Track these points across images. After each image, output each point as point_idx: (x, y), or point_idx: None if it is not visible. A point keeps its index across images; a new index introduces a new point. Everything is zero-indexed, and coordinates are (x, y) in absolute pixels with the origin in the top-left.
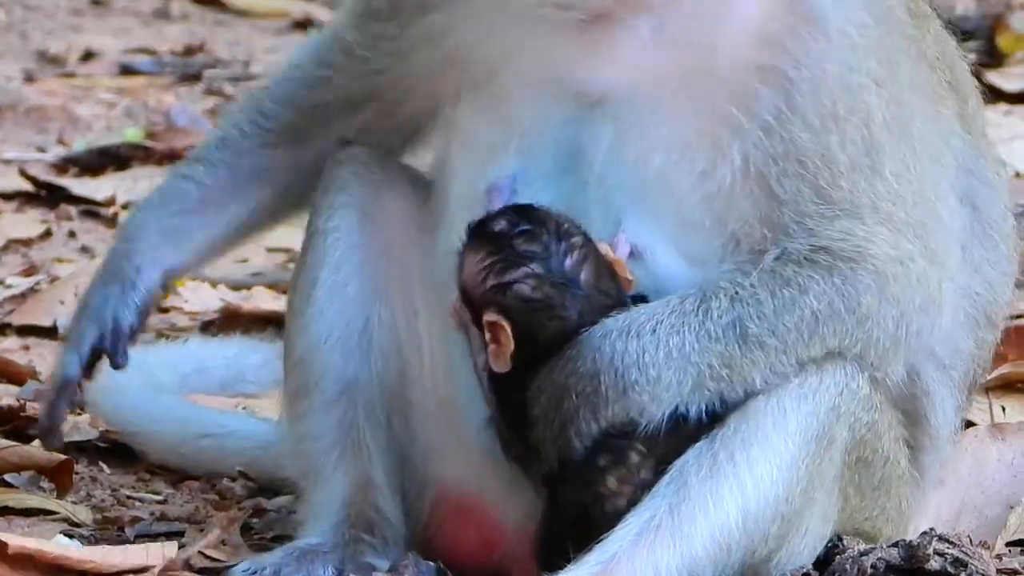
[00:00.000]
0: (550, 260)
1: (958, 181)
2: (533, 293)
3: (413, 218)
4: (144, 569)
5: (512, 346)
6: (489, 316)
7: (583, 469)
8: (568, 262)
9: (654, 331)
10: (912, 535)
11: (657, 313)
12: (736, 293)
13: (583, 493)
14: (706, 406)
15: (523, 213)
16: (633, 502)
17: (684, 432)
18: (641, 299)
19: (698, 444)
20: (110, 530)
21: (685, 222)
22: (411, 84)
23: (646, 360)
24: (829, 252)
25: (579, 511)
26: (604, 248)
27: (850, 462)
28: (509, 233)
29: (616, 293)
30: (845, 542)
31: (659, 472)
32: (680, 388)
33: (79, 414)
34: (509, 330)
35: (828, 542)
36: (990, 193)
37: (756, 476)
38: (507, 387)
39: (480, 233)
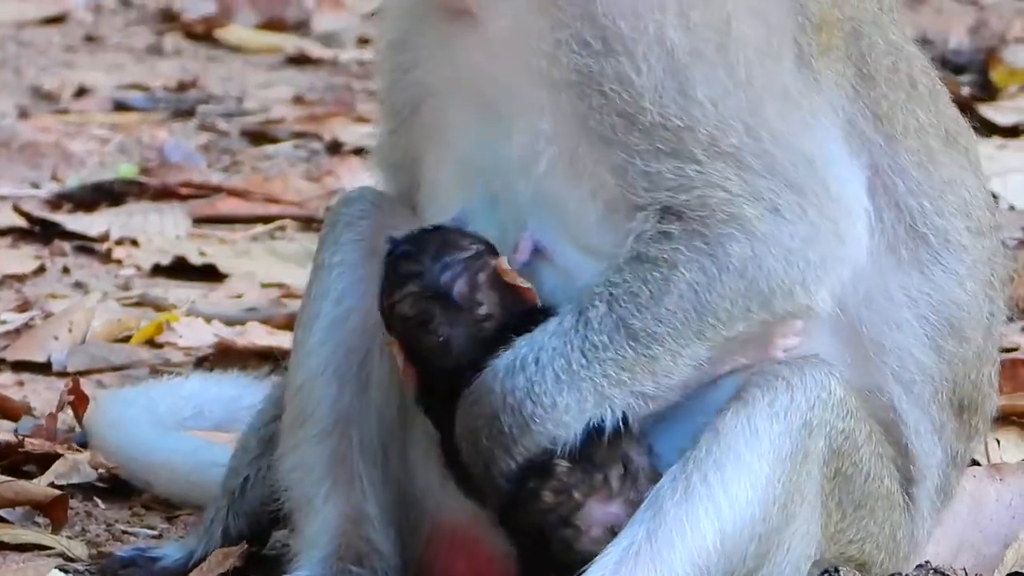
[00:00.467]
0: (424, 277)
1: (852, 147)
2: (410, 310)
3: None
4: None
5: (409, 368)
6: (387, 340)
7: (518, 497)
8: (443, 277)
9: (537, 360)
10: (908, 569)
11: (538, 341)
12: (611, 294)
13: (528, 516)
14: (623, 412)
15: (412, 238)
16: (575, 507)
17: (609, 439)
18: (545, 312)
19: (672, 468)
20: None
21: (575, 212)
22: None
23: (537, 391)
24: (679, 216)
25: (534, 533)
26: (500, 260)
27: (829, 474)
28: (393, 258)
29: (509, 304)
30: (842, 574)
31: (595, 469)
32: (581, 406)
33: (79, 452)
34: (401, 352)
35: (823, 572)
36: (935, 198)
37: (731, 497)
38: (440, 420)
39: (383, 263)
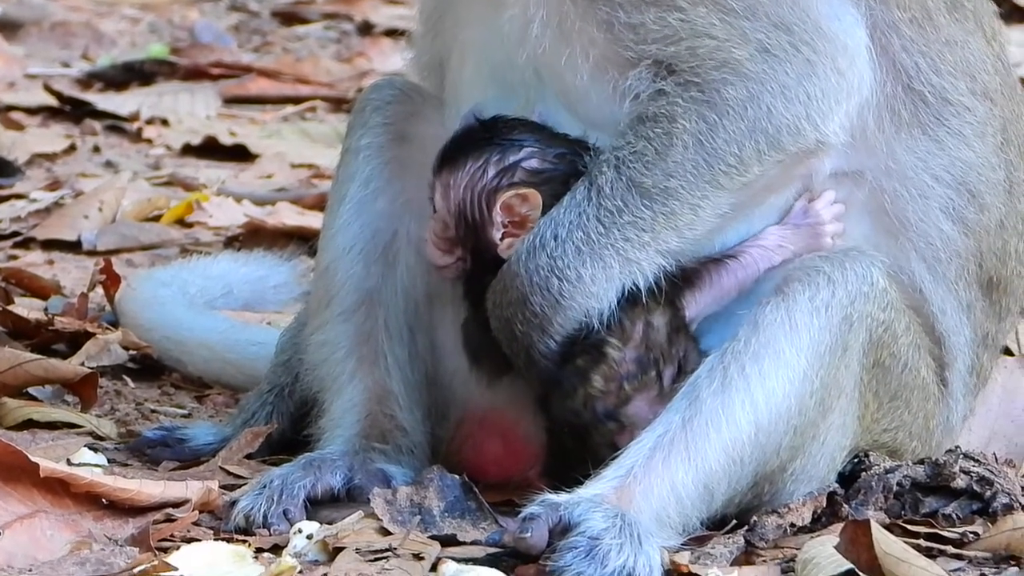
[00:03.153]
0: (536, 137)
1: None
2: (541, 164)
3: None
4: (181, 503)
5: (540, 210)
6: (506, 198)
7: (565, 378)
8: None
9: (556, 236)
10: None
11: (555, 218)
12: (617, 158)
13: (572, 400)
14: (652, 272)
15: (480, 123)
16: (623, 399)
17: (647, 304)
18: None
19: (710, 358)
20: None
21: (571, 81)
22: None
23: (560, 266)
24: (671, 71)
25: (575, 423)
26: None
27: (867, 365)
28: (491, 131)
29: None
30: (872, 459)
31: (648, 362)
32: (608, 274)
33: (110, 331)
34: (536, 195)
35: (854, 458)
36: (932, 56)
37: (768, 390)
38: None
39: (459, 148)
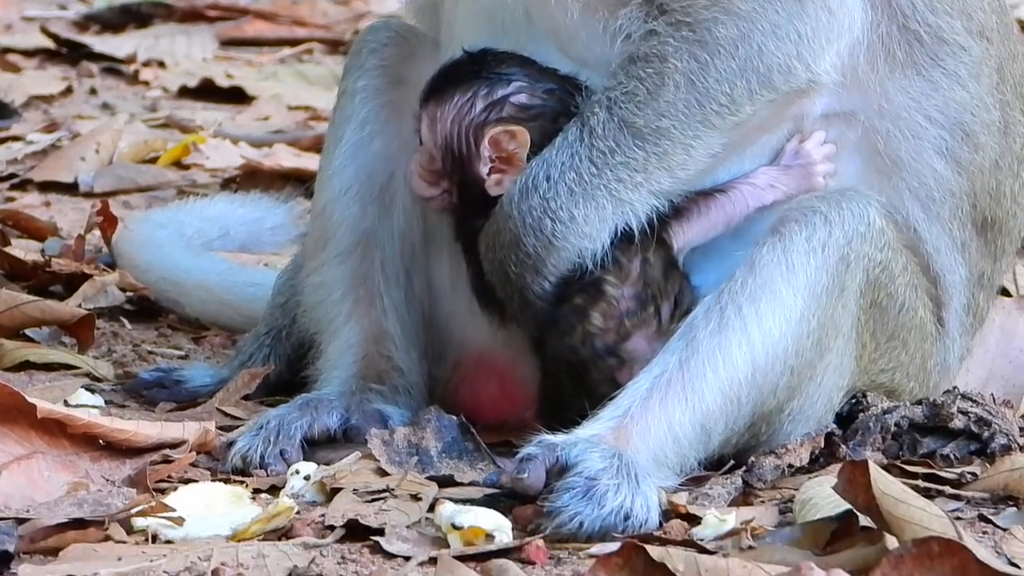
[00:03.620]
0: (526, 72)
1: None
2: (530, 100)
3: None
4: (178, 444)
5: (527, 148)
6: (494, 133)
7: (562, 317)
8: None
9: (548, 177)
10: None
11: (546, 159)
12: (609, 98)
13: (570, 338)
14: (645, 212)
15: (469, 56)
16: (623, 336)
17: (641, 242)
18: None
19: (707, 298)
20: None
21: (564, 26)
22: None
23: (553, 207)
24: (662, 10)
25: (573, 361)
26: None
27: (864, 305)
28: (480, 64)
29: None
30: (869, 399)
31: (647, 299)
32: (600, 214)
33: (106, 273)
34: (525, 133)
35: (852, 398)
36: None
37: (764, 330)
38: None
39: (447, 80)
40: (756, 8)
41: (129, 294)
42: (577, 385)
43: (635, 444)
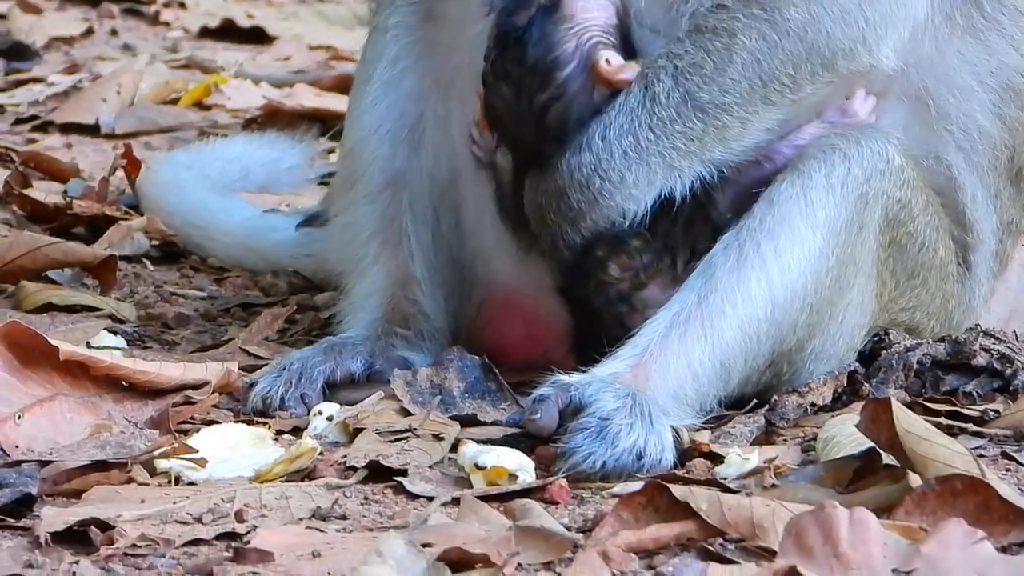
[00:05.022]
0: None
1: None
2: (499, 71)
3: (476, 22)
4: (201, 385)
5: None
6: (602, 59)
7: (583, 265)
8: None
9: (604, 138)
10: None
11: (605, 120)
12: (676, 67)
13: (589, 285)
14: (692, 179)
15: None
16: (637, 286)
17: (681, 209)
18: None
19: (725, 235)
20: (154, 327)
21: None
22: None
23: (604, 167)
24: None
25: (590, 303)
26: (600, 61)
27: (884, 243)
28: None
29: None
30: (892, 337)
31: (665, 250)
32: (651, 179)
33: (129, 216)
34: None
35: (874, 336)
36: None
37: (783, 267)
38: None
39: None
40: None
41: (155, 241)
42: (594, 326)
43: (654, 381)
